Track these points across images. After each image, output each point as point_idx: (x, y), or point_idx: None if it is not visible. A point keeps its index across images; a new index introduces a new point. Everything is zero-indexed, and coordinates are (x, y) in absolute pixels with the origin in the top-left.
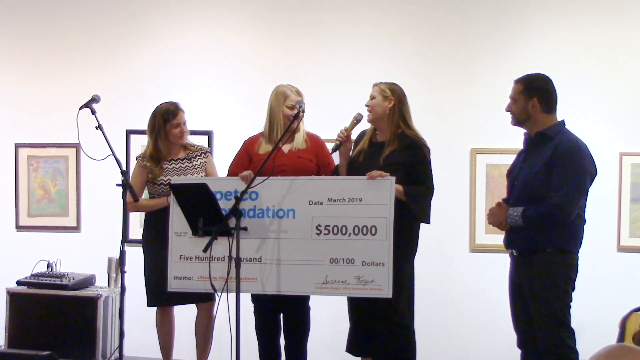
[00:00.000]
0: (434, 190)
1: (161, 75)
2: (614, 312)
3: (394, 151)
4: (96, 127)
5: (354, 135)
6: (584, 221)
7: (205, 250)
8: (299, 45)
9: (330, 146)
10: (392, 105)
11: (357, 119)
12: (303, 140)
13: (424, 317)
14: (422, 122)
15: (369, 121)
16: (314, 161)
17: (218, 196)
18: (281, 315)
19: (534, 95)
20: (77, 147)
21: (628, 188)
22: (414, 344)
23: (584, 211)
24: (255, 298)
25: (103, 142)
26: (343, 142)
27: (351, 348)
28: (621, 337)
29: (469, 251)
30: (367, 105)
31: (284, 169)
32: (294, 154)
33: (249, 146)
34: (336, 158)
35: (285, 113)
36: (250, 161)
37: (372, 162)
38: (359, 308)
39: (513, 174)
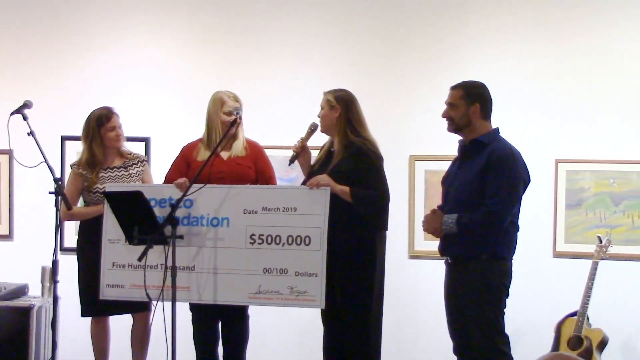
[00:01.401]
0: (388, 195)
1: (97, 81)
2: (549, 317)
3: (342, 159)
4: (28, 133)
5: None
6: (518, 228)
7: (140, 259)
8: (240, 52)
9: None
10: (338, 114)
11: (312, 129)
12: (242, 147)
13: None
14: None
15: (322, 132)
16: (252, 168)
17: (152, 203)
18: (220, 323)
19: (476, 101)
20: (9, 153)
21: (564, 194)
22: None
23: (518, 218)
24: (194, 306)
25: (37, 149)
26: (299, 152)
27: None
28: (556, 342)
29: (407, 257)
30: (318, 116)
31: (222, 176)
32: (233, 161)
33: (187, 152)
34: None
35: (222, 119)
36: (189, 168)
37: (324, 171)
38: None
39: (448, 181)
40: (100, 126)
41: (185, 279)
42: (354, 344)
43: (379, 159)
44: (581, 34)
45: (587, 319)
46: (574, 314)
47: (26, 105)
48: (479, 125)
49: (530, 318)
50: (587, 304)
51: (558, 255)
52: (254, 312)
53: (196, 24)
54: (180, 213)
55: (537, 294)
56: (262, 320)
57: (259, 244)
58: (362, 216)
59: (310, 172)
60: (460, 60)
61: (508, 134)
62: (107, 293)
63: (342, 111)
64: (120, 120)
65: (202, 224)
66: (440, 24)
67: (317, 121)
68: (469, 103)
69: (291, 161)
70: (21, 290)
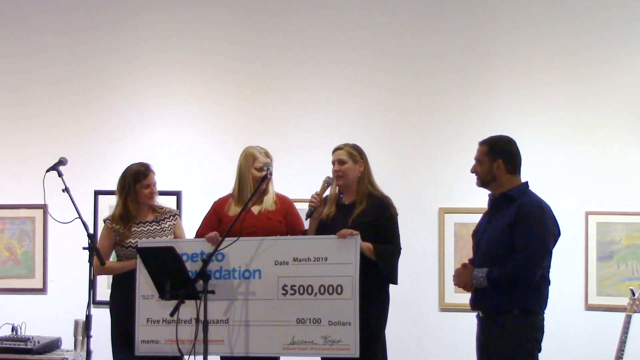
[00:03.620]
0: (401, 250)
1: (129, 136)
2: None
3: (364, 210)
4: (63, 189)
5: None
6: (549, 282)
7: (172, 314)
8: (268, 107)
9: (301, 207)
10: (363, 168)
11: (328, 183)
12: (273, 201)
13: None
14: (391, 182)
15: (340, 185)
16: (283, 222)
17: (184, 258)
18: None
19: (499, 157)
20: (44, 207)
21: (594, 247)
22: None
23: (548, 272)
24: (225, 358)
25: (71, 204)
26: (316, 207)
27: None
28: None
29: (438, 310)
30: (338, 170)
31: (253, 231)
32: (264, 215)
33: (218, 208)
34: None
35: (254, 175)
36: (220, 223)
37: (341, 223)
38: None
39: (478, 234)
40: (136, 182)
41: (219, 332)
42: None
43: (397, 214)
44: (609, 86)
45: None
46: None
47: (61, 162)
48: (505, 179)
49: None
50: (622, 357)
51: (590, 308)
52: None
53: (227, 81)
54: (212, 267)
55: (569, 348)
56: None
57: (291, 294)
58: (382, 271)
59: (324, 225)
60: (489, 113)
61: (538, 188)
62: (142, 349)
63: (366, 166)
64: (156, 177)
65: (235, 277)
66: (469, 77)
67: (330, 175)
68: (492, 159)
69: (309, 215)
70: (54, 344)
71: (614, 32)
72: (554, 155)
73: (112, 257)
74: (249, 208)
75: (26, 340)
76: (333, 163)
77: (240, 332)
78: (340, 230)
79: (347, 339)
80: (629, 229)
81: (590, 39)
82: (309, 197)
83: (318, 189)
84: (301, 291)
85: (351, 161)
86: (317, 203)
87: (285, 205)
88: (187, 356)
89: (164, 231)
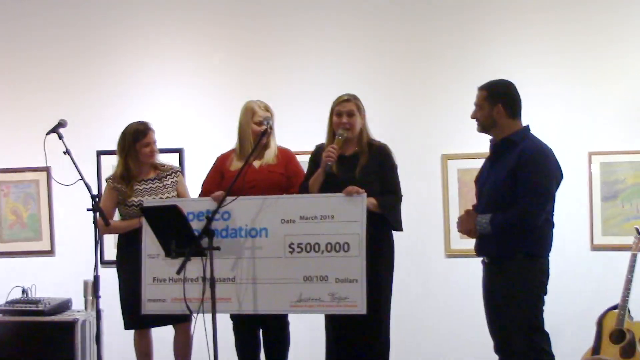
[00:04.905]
0: (402, 197)
1: (131, 94)
2: (590, 312)
3: (369, 161)
4: (64, 152)
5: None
6: (553, 225)
7: (178, 272)
8: (269, 61)
9: (302, 160)
10: (364, 118)
11: (343, 136)
12: (274, 155)
13: (401, 324)
14: (393, 131)
15: (350, 137)
16: (284, 174)
17: (190, 217)
18: (261, 330)
19: (498, 101)
20: (47, 170)
21: (598, 187)
22: (388, 355)
23: (552, 215)
24: (234, 315)
25: (73, 166)
26: (335, 160)
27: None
28: (598, 336)
29: (444, 257)
30: (347, 122)
31: (254, 185)
32: (265, 169)
33: (220, 163)
34: None
35: (253, 129)
36: (222, 178)
37: (348, 175)
38: (339, 325)
39: (480, 180)
40: (136, 141)
41: (225, 290)
42: (366, 341)
43: (396, 161)
44: (613, 24)
45: (629, 312)
46: (614, 308)
47: (61, 124)
48: (506, 124)
49: (570, 313)
50: (628, 296)
51: (596, 248)
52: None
53: (227, 37)
54: (219, 225)
55: (576, 289)
56: (299, 325)
57: (298, 252)
58: (390, 223)
59: (330, 177)
60: (489, 58)
61: (539, 130)
62: (148, 307)
63: (364, 115)
64: (155, 135)
65: (241, 235)
66: (468, 22)
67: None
68: (492, 104)
69: (328, 170)
70: (65, 305)
71: None
72: (554, 97)
73: (116, 216)
74: (250, 162)
75: (37, 302)
76: (339, 114)
77: (248, 290)
78: (347, 188)
79: (354, 295)
80: (633, 168)
81: None
82: (310, 149)
83: (318, 141)
84: (308, 249)
85: (358, 113)
86: (336, 157)
87: (285, 157)
88: (196, 314)
89: (166, 188)
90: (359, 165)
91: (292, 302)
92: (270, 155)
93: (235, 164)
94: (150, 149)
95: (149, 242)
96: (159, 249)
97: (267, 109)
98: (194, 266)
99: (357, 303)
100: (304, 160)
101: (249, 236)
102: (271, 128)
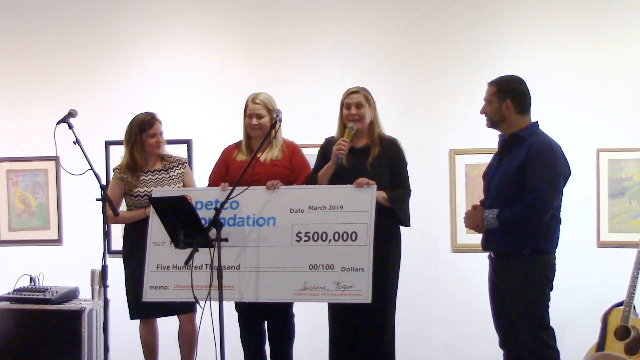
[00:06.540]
0: (411, 192)
1: (139, 85)
2: (595, 308)
3: (379, 154)
4: (74, 141)
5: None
6: (560, 221)
7: (187, 263)
8: (278, 53)
9: (309, 153)
10: (374, 111)
11: (353, 129)
12: (280, 149)
13: (407, 318)
14: (402, 125)
15: (359, 129)
16: (288, 168)
17: (199, 206)
18: (266, 322)
19: (508, 97)
20: (56, 159)
21: (606, 184)
22: (394, 348)
23: (559, 211)
24: (239, 306)
25: (83, 155)
26: (346, 153)
27: (335, 356)
28: (603, 333)
29: (450, 251)
30: (355, 114)
31: (259, 178)
32: (270, 163)
33: (227, 154)
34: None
35: (246, 122)
36: (228, 169)
37: (358, 168)
38: (345, 318)
39: (489, 175)
40: (142, 132)
41: (229, 278)
42: (372, 335)
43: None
44: (622, 22)
45: (634, 308)
46: (620, 304)
47: (71, 114)
48: (514, 120)
49: (576, 309)
50: (634, 293)
51: (602, 245)
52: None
53: (237, 28)
54: (226, 214)
55: (582, 285)
56: (304, 317)
57: (305, 241)
58: (398, 217)
59: (341, 168)
60: (499, 54)
61: (548, 127)
62: (149, 295)
63: (375, 108)
64: (162, 126)
65: (248, 224)
66: (478, 19)
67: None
68: (502, 99)
69: (340, 164)
70: (72, 294)
71: None
72: (563, 94)
73: (123, 206)
74: (256, 155)
75: (45, 290)
76: (348, 106)
77: (251, 278)
78: (357, 179)
79: (360, 284)
80: None
81: None
82: (318, 142)
83: (327, 135)
84: (315, 238)
85: (367, 105)
86: (347, 150)
87: (290, 150)
88: (203, 304)
89: (172, 179)
90: (370, 157)
91: (297, 290)
92: (276, 149)
93: (240, 156)
94: (156, 140)
95: (156, 230)
96: (165, 237)
97: (255, 101)
98: (200, 254)
99: (362, 292)
100: (310, 154)
101: (256, 225)
102: (280, 121)
